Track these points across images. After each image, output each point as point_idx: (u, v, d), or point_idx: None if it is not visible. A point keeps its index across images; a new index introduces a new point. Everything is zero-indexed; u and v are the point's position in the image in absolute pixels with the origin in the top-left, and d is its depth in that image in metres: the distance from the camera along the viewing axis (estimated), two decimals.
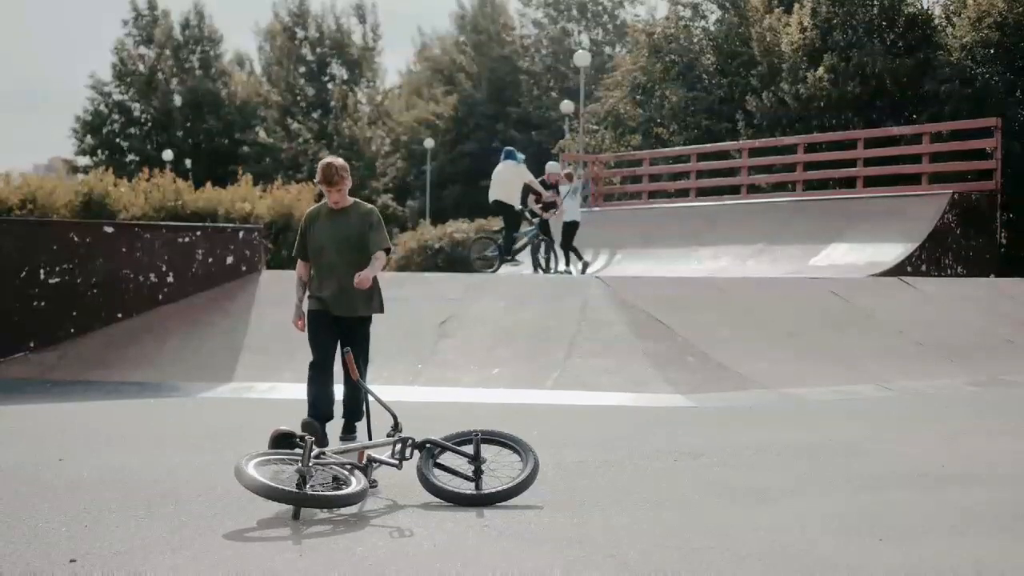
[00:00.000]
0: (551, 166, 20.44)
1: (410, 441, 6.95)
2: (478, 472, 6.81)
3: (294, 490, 6.19)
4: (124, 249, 15.48)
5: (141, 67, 66.38)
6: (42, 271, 14.86)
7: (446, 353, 13.34)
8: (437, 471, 6.86)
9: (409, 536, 5.92)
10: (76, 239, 15.21)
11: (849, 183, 25.07)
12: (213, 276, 16.06)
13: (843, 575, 5.13)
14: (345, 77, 68.54)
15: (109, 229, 15.87)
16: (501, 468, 6.90)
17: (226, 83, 67.60)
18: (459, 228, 39.36)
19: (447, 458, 6.97)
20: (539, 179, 19.37)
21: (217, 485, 7.09)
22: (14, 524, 6.10)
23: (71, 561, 5.36)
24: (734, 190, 27.85)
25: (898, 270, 20.20)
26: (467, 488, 6.73)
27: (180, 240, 15.96)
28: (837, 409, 11.30)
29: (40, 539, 5.79)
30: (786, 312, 15.02)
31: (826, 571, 5.19)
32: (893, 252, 21.15)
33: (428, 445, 6.94)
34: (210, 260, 16.08)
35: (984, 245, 22.57)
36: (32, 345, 14.64)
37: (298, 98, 67.11)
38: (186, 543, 5.72)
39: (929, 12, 31.08)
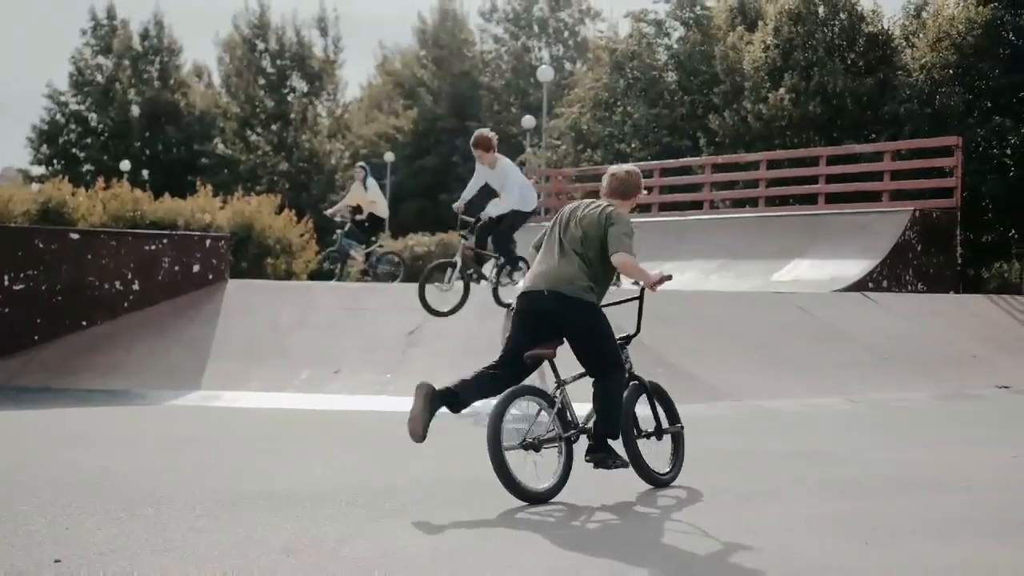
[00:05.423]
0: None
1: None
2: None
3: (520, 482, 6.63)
4: (90, 256, 15.31)
5: (99, 77, 65.75)
6: (6, 277, 14.65)
7: (415, 362, 13.26)
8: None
9: (399, 537, 5.88)
10: (41, 245, 15.03)
11: (811, 199, 25.26)
12: (179, 284, 15.91)
13: None
14: (305, 90, 68.18)
15: (75, 236, 15.69)
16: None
17: (185, 94, 67.06)
18: (420, 241, 39.24)
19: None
20: None
21: (196, 487, 7.02)
22: None
23: (56, 561, 5.26)
24: (696, 206, 27.97)
25: (859, 286, 20.35)
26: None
27: (146, 248, 15.81)
28: (809, 420, 11.38)
29: (23, 540, 5.69)
30: (754, 326, 15.10)
31: (816, 572, 5.21)
32: (855, 268, 21.30)
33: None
34: (176, 268, 15.93)
35: (944, 262, 22.80)
36: None
37: (257, 110, 66.61)
38: (170, 544, 5.65)
39: (889, 32, 31.42)
